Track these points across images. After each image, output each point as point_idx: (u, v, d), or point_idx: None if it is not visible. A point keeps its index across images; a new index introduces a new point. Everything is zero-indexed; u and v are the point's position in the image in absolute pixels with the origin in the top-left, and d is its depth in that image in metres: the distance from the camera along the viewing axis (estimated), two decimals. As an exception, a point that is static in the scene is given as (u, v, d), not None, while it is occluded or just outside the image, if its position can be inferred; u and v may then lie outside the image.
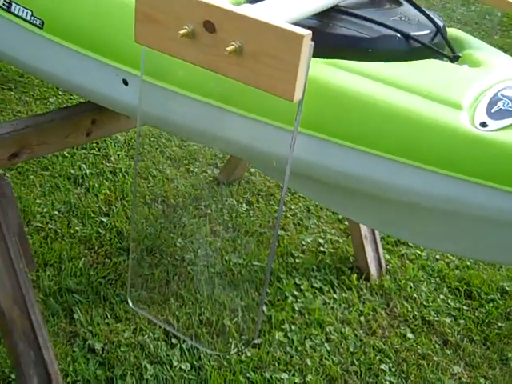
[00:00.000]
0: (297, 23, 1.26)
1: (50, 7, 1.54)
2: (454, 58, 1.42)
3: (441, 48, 1.44)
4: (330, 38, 1.37)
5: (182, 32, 1.09)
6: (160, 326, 2.23)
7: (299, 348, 2.27)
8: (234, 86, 1.15)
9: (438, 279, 2.72)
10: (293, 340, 2.30)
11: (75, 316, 2.22)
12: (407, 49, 1.39)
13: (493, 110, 1.22)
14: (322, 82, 1.26)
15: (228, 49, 1.06)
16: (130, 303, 1.91)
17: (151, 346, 2.16)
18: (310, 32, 1.01)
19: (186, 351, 2.17)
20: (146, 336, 2.19)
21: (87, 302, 2.29)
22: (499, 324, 2.52)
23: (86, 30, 1.49)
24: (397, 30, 1.38)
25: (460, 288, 2.67)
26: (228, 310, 2.36)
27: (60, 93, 3.64)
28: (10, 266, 1.68)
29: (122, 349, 2.13)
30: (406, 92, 1.24)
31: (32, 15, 1.56)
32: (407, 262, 2.79)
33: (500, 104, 1.23)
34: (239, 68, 1.08)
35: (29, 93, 3.62)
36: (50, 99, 3.57)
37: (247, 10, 1.12)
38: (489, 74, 1.33)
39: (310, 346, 2.29)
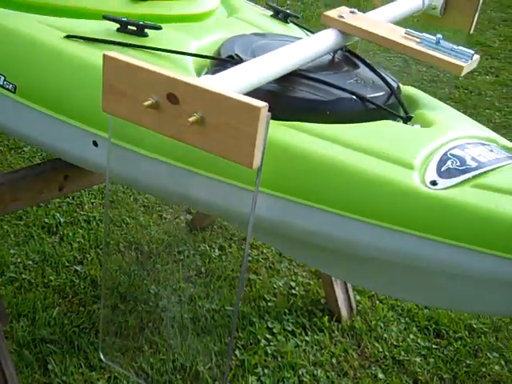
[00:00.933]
0: (258, 88, 1.34)
1: (22, 73, 1.60)
2: (407, 119, 1.50)
3: (395, 108, 1.52)
4: (289, 102, 1.44)
5: (146, 104, 1.16)
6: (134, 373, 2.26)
7: (272, 392, 2.32)
8: (197, 151, 1.21)
9: (407, 319, 2.78)
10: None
11: (49, 366, 2.24)
12: (363, 110, 1.47)
13: (442, 169, 1.29)
14: (283, 144, 1.33)
15: (190, 120, 1.12)
16: (102, 357, 1.95)
17: (126, 395, 2.19)
18: (267, 104, 1.08)
19: (161, 399, 2.20)
20: (121, 384, 2.23)
21: (61, 351, 2.31)
22: (468, 362, 2.58)
23: (57, 94, 1.55)
24: (353, 93, 1.46)
25: (429, 327, 2.73)
26: (201, 355, 2.39)
27: (34, 141, 3.68)
28: (-18, 322, 1.71)
29: (97, 398, 2.16)
30: (362, 153, 1.31)
31: (5, 80, 1.62)
32: (377, 302, 2.85)
33: (449, 163, 1.31)
34: (201, 137, 1.14)
35: (3, 142, 3.66)
36: (24, 148, 3.61)
37: (208, 81, 1.19)
38: (439, 133, 1.40)
39: (283, 390, 2.34)
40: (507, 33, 7.13)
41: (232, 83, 1.25)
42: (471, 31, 2.00)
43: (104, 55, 1.19)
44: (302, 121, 1.39)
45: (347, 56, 1.70)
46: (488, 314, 2.72)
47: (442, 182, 1.26)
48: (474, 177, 1.27)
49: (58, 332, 2.39)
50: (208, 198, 1.44)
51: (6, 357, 1.80)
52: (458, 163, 1.30)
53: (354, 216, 1.29)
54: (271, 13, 2.08)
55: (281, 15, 2.05)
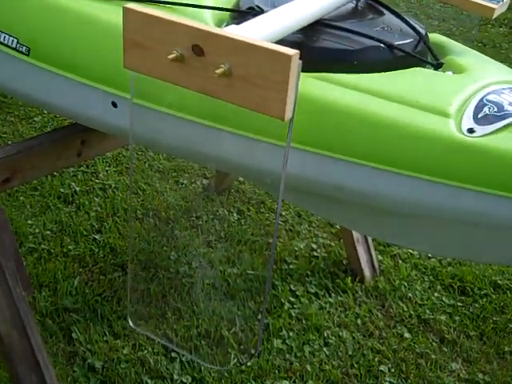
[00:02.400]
0: (283, 39, 1.29)
1: (36, 34, 1.55)
2: (438, 65, 1.44)
3: (424, 55, 1.46)
4: (315, 52, 1.38)
5: (170, 57, 1.10)
6: (159, 341, 2.24)
7: (298, 354, 2.29)
8: (224, 106, 1.16)
9: (431, 277, 2.75)
10: (291, 347, 2.32)
11: (73, 335, 2.23)
12: (391, 58, 1.41)
13: (479, 116, 1.24)
14: (312, 97, 1.28)
15: (217, 71, 1.07)
16: (131, 323, 1.92)
17: (151, 361, 2.17)
18: (298, 51, 1.03)
19: (187, 364, 2.18)
20: (146, 351, 2.21)
21: (85, 320, 2.29)
22: (494, 318, 2.55)
23: (73, 55, 1.50)
24: (380, 41, 1.40)
25: (453, 285, 2.70)
26: (226, 320, 2.37)
27: (45, 112, 3.63)
28: (7, 291, 1.68)
29: (122, 365, 2.14)
30: (394, 102, 1.26)
31: (18, 43, 1.56)
32: (400, 261, 2.82)
33: (486, 109, 1.25)
34: (229, 90, 1.09)
35: (14, 113, 3.62)
36: (35, 118, 3.57)
37: (233, 31, 1.13)
38: (473, 79, 1.35)
39: (309, 352, 2.31)
40: (520, -15, 6.98)
41: (257, 33, 1.20)
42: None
43: (124, 8, 1.14)
44: (329, 72, 1.33)
45: (371, 3, 1.63)
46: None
47: (480, 129, 1.21)
48: None
49: (81, 301, 2.37)
50: (235, 157, 1.39)
51: (33, 327, 1.77)
52: (496, 109, 1.25)
53: (391, 169, 1.24)
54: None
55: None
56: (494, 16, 1.47)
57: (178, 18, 1.11)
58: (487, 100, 1.28)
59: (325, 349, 2.33)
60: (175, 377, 2.14)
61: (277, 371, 2.21)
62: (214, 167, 2.51)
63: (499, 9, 1.48)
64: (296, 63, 1.04)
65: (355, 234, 2.65)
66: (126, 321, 2.27)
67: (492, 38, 5.43)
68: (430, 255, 2.86)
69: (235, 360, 2.23)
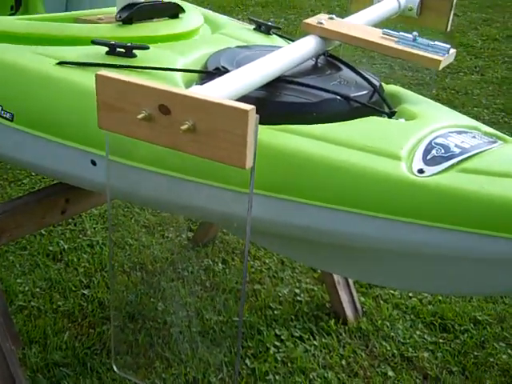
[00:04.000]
0: (246, 96, 1.40)
1: (19, 102, 1.66)
2: (391, 114, 1.55)
3: (379, 105, 1.58)
4: (276, 106, 1.50)
5: (140, 116, 1.21)
6: (148, 391, 2.30)
7: (285, 397, 2.35)
8: (193, 159, 1.27)
9: (412, 316, 2.82)
10: (278, 390, 2.38)
11: (64, 389, 2.28)
12: (348, 109, 1.53)
13: (428, 158, 1.35)
14: (273, 146, 1.39)
15: (182, 128, 1.18)
16: (116, 368, 1.99)
17: (141, 411, 2.22)
18: (254, 107, 1.13)
19: (176, 412, 2.24)
20: (136, 402, 2.26)
21: (74, 374, 2.34)
22: (475, 353, 2.61)
23: (53, 119, 1.61)
24: (337, 93, 1.52)
25: (435, 322, 2.77)
26: (213, 366, 2.43)
27: (33, 174, 3.74)
28: (-3, 346, 1.76)
29: (113, 417, 2.20)
30: (349, 148, 1.37)
31: (2, 109, 1.68)
32: (382, 302, 2.89)
33: (434, 151, 1.36)
34: (194, 144, 1.20)
35: (2, 176, 3.72)
36: (24, 180, 3.67)
37: (197, 91, 1.25)
38: (423, 125, 1.46)
39: (295, 394, 2.37)
40: (488, 32, 7.23)
41: (219, 91, 1.31)
42: (448, 29, 2.06)
43: (96, 75, 1.25)
44: (290, 123, 1.44)
45: (329, 60, 1.76)
46: (486, 295, 2.76)
47: (429, 170, 1.32)
48: (459, 162, 1.33)
49: (70, 355, 2.43)
50: (205, 205, 1.50)
51: (22, 380, 1.83)
52: (443, 151, 1.36)
53: (348, 209, 1.34)
54: (253, 26, 2.15)
55: (263, 28, 2.12)
56: (441, 67, 1.59)
57: (145, 81, 1.22)
58: (435, 143, 1.39)
59: (311, 390, 2.39)
60: (165, 426, 2.19)
61: (264, 414, 2.27)
62: (187, 216, 2.61)
63: (445, 60, 1.60)
64: (253, 117, 1.15)
65: (336, 277, 2.74)
66: (115, 372, 2.32)
67: (464, 85, 5.61)
68: (410, 294, 2.94)
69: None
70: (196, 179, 1.44)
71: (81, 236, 3.20)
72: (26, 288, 2.78)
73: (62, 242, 3.12)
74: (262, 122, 1.41)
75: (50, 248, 3.07)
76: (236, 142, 1.16)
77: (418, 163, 1.34)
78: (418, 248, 1.35)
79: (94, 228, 3.27)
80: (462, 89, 5.52)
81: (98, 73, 1.24)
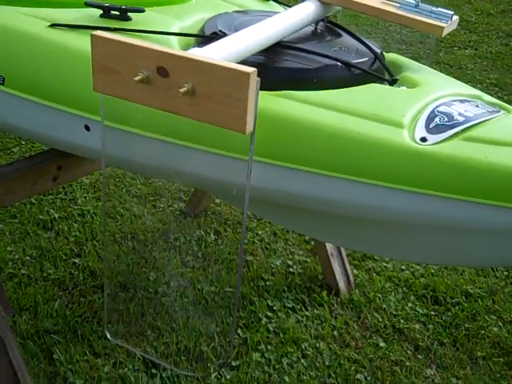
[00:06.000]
0: (244, 61, 1.37)
1: (9, 64, 1.62)
2: (393, 81, 1.53)
3: (380, 73, 1.55)
4: (276, 72, 1.47)
5: (137, 78, 1.18)
6: (139, 358, 2.28)
7: (277, 366, 2.35)
8: (190, 123, 1.24)
9: (404, 288, 2.82)
10: (270, 359, 2.37)
11: (54, 356, 2.26)
12: (349, 76, 1.50)
13: (431, 126, 1.33)
14: (273, 112, 1.36)
15: (181, 90, 1.15)
16: (108, 335, 1.97)
17: (132, 378, 2.21)
18: (255, 69, 1.10)
19: (167, 379, 2.22)
20: (126, 369, 2.25)
21: (65, 341, 2.33)
22: (466, 325, 2.62)
23: (45, 82, 1.57)
24: (337, 59, 1.49)
25: (426, 295, 2.78)
26: (204, 336, 2.42)
27: (23, 142, 3.69)
28: (-12, 313, 1.74)
29: (103, 383, 2.18)
30: (351, 115, 1.35)
31: (-7, 72, 1.63)
32: (374, 274, 2.89)
33: (437, 120, 1.34)
34: (193, 107, 1.17)
35: (-9, 144, 3.68)
36: (13, 149, 3.62)
37: (196, 53, 1.22)
38: (425, 93, 1.44)
39: (287, 364, 2.37)
40: (482, 7, 7.19)
41: (219, 54, 1.28)
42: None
43: (92, 35, 1.21)
44: (290, 90, 1.41)
45: (329, 26, 1.73)
46: (481, 267, 2.77)
47: (432, 138, 1.30)
48: (463, 130, 1.31)
49: (61, 323, 2.41)
50: (201, 172, 1.47)
51: (13, 347, 1.82)
52: (446, 119, 1.34)
53: (347, 177, 1.32)
54: (251, -8, 2.10)
55: (260, -7, 2.08)
56: (444, 34, 1.56)
57: (144, 42, 1.18)
58: (438, 111, 1.37)
59: (302, 360, 2.39)
60: (156, 393, 2.18)
61: (256, 383, 2.26)
62: (182, 183, 2.58)
63: (448, 27, 1.57)
64: (254, 80, 1.12)
65: (329, 249, 2.73)
66: (106, 340, 2.31)
67: (458, 59, 5.59)
68: (403, 267, 2.94)
69: (215, 373, 2.28)
70: (193, 145, 1.41)
71: (71, 205, 3.16)
72: (16, 256, 2.75)
73: (52, 210, 3.09)
74: (262, 87, 1.39)
75: (41, 217, 3.04)
76: (236, 105, 1.13)
77: (420, 131, 1.32)
78: (418, 217, 1.33)
79: (85, 197, 3.23)
80: (456, 63, 5.49)
81: (94, 33, 1.21)
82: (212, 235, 3.04)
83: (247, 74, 1.10)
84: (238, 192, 1.35)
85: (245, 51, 1.36)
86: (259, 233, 3.10)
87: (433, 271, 2.92)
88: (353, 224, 1.47)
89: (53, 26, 1.61)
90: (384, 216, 1.35)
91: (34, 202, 3.13)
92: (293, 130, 1.34)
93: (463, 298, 2.78)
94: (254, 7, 1.96)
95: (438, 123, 1.33)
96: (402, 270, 2.93)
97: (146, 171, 1.73)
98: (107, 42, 1.20)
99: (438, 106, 1.38)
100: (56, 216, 3.05)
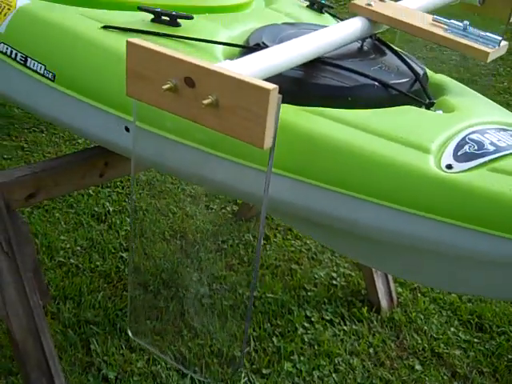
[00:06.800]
0: (281, 75, 1.38)
1: (61, 62, 1.68)
2: (430, 104, 1.50)
3: (419, 95, 1.53)
4: (312, 87, 1.47)
5: (165, 87, 1.21)
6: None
7: (307, 378, 2.34)
8: (215, 133, 1.26)
9: (449, 312, 2.76)
10: (301, 370, 2.37)
11: (91, 347, 2.33)
12: (385, 96, 1.49)
13: (459, 153, 1.30)
14: (304, 129, 1.37)
15: (205, 102, 1.17)
16: (130, 334, 2.02)
17: (163, 376, 2.25)
18: (277, 86, 1.12)
19: (197, 381, 2.26)
20: (159, 366, 2.29)
21: (104, 333, 2.40)
22: (509, 356, 2.55)
23: (92, 82, 1.63)
24: (375, 79, 1.48)
25: (471, 321, 2.71)
26: (240, 341, 2.44)
27: (88, 134, 3.81)
28: (24, 299, 1.80)
29: (135, 378, 2.23)
30: (379, 137, 1.33)
31: (45, 69, 1.70)
32: (419, 295, 2.84)
33: (466, 147, 1.31)
34: (215, 119, 1.19)
35: (59, 134, 3.81)
36: (79, 140, 3.75)
37: (224, 66, 1.24)
38: (460, 118, 1.41)
39: (318, 377, 2.36)
40: None
41: (251, 68, 1.29)
42: (511, 20, 1.97)
43: (127, 41, 1.25)
44: (324, 106, 1.41)
45: (375, 44, 1.72)
46: (503, 299, 2.68)
47: (458, 166, 1.27)
48: (491, 160, 1.27)
49: (102, 315, 2.48)
50: (225, 181, 1.49)
51: (47, 335, 1.88)
52: (476, 147, 1.31)
53: (372, 199, 1.31)
54: (307, 3, 2.11)
55: (316, 6, 2.08)
56: (489, 59, 1.53)
57: (174, 51, 1.22)
58: (469, 139, 1.34)
59: (334, 375, 2.38)
60: (185, 392, 2.22)
61: (284, 393, 2.28)
62: (208, 189, 2.62)
63: (495, 53, 1.54)
64: (275, 97, 1.13)
65: (374, 265, 2.70)
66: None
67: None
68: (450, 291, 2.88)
69: (245, 379, 2.30)
70: (218, 153, 1.43)
71: (127, 200, 3.25)
72: (68, 245, 2.84)
73: (107, 203, 3.18)
74: (295, 102, 1.40)
75: (96, 209, 3.13)
76: (255, 121, 1.14)
77: (447, 158, 1.29)
78: (439, 246, 1.31)
79: (140, 194, 3.31)
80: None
81: (129, 40, 1.25)
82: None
83: (267, 91, 1.11)
84: (257, 204, 1.37)
85: (280, 66, 1.37)
86: (307, 242, 3.10)
87: (481, 297, 2.85)
88: (380, 246, 1.45)
89: (105, 27, 1.67)
90: (402, 240, 1.34)
91: (91, 193, 3.24)
92: (318, 148, 1.34)
93: (510, 327, 2.70)
94: (307, 19, 1.97)
95: (467, 151, 1.30)
96: (449, 293, 2.87)
97: (174, 174, 1.77)
98: (140, 49, 1.24)
99: (470, 134, 1.35)
100: (110, 209, 3.14)
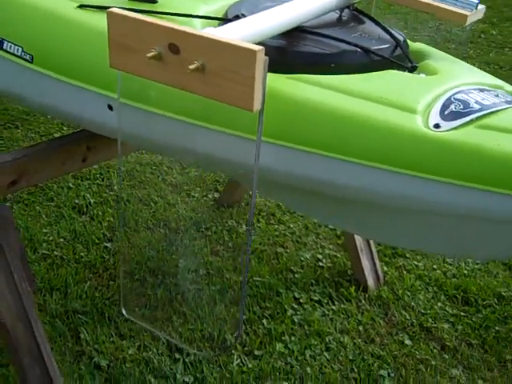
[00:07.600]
0: (261, 43, 1.37)
1: (39, 43, 1.67)
2: (412, 68, 1.51)
3: (401, 60, 1.54)
4: (294, 55, 1.47)
5: (149, 55, 1.20)
6: (163, 342, 2.31)
7: (299, 358, 2.35)
8: (202, 102, 1.25)
9: (435, 288, 2.78)
10: (293, 350, 2.37)
11: (81, 336, 2.31)
12: (368, 62, 1.49)
13: (445, 113, 1.31)
14: (288, 95, 1.37)
15: (191, 67, 1.16)
16: (124, 312, 2.01)
17: (155, 361, 2.24)
18: (263, 47, 1.11)
19: (189, 364, 2.25)
20: (150, 352, 2.28)
21: (92, 322, 2.38)
22: (496, 328, 2.57)
23: (72, 61, 1.61)
24: (356, 45, 1.48)
25: (457, 295, 2.73)
26: (229, 324, 2.44)
27: (64, 128, 3.78)
28: (12, 285, 1.78)
29: (127, 365, 2.22)
30: (364, 100, 1.34)
31: (23, 51, 1.68)
32: (404, 272, 2.86)
33: (452, 107, 1.32)
34: (202, 84, 1.18)
35: (34, 129, 3.76)
36: (55, 134, 3.70)
37: (208, 32, 1.23)
38: (443, 81, 1.42)
39: (310, 356, 2.36)
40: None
41: (232, 35, 1.28)
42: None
43: (107, 12, 1.24)
44: (307, 74, 1.41)
45: (354, 14, 1.72)
46: (491, 259, 2.70)
47: (445, 125, 1.28)
48: (477, 118, 1.29)
49: (89, 304, 2.46)
50: (212, 151, 1.48)
51: (37, 321, 1.86)
52: (462, 106, 1.32)
53: (359, 161, 1.31)
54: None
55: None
56: (468, 23, 1.54)
57: (156, 19, 1.21)
58: (455, 98, 1.35)
59: (325, 353, 2.38)
60: (178, 376, 2.20)
61: (277, 373, 2.27)
62: (195, 163, 2.62)
63: (472, 16, 1.55)
64: (262, 58, 1.13)
65: (359, 245, 2.71)
66: (132, 323, 2.35)
67: (509, 60, 5.48)
68: (434, 266, 2.90)
69: (238, 361, 2.29)
70: (204, 124, 1.42)
71: (107, 191, 3.22)
72: (51, 238, 2.81)
73: (88, 195, 3.15)
74: (279, 70, 1.40)
75: (77, 201, 3.10)
76: (244, 83, 1.14)
77: (434, 118, 1.30)
78: (429, 204, 1.32)
79: (121, 184, 3.29)
80: (507, 64, 5.38)
81: (109, 10, 1.23)
82: (244, 226, 3.06)
83: (254, 52, 1.11)
84: (247, 173, 1.36)
85: (260, 34, 1.37)
86: (291, 226, 3.10)
87: (465, 272, 2.87)
88: (363, 209, 1.46)
89: (81, 6, 1.65)
90: (393, 202, 1.34)
91: (71, 186, 3.20)
92: (304, 112, 1.34)
93: (495, 300, 2.73)
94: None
95: (453, 110, 1.31)
96: (434, 269, 2.89)
97: (161, 149, 1.76)
98: (122, 19, 1.23)
99: (455, 94, 1.36)
100: (92, 201, 3.12)
